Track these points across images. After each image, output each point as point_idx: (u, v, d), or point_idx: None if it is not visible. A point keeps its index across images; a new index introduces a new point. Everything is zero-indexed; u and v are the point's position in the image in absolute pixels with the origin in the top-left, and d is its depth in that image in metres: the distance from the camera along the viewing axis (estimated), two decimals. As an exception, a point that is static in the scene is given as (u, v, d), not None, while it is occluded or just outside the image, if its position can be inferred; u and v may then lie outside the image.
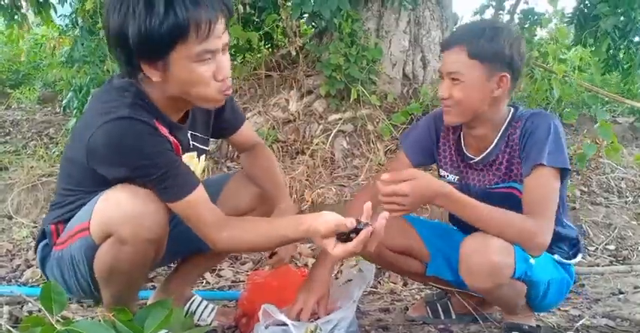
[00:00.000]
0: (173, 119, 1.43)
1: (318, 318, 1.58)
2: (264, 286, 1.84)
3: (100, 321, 1.32)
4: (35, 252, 1.58)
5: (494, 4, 4.29)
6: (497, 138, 1.65)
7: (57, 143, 3.88)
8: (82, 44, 3.62)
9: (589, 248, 3.00)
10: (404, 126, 3.59)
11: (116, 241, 1.33)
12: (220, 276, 2.48)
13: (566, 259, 1.73)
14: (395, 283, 2.46)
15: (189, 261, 1.82)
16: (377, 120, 3.62)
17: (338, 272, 2.48)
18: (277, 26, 3.75)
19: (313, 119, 3.63)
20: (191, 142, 1.53)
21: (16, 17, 4.14)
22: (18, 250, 2.79)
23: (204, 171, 1.73)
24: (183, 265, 1.84)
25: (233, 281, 2.43)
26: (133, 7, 1.19)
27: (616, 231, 3.15)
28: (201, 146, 1.59)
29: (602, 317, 1.97)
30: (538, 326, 1.77)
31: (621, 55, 4.27)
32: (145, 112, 1.32)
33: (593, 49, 4.29)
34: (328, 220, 1.29)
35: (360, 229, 1.26)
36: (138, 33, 1.20)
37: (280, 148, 3.46)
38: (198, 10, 1.21)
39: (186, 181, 1.36)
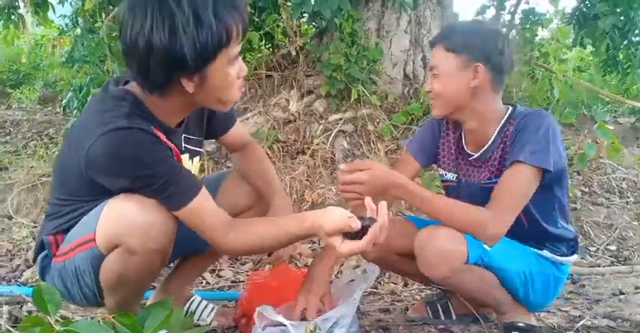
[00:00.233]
0: (170, 125, 1.42)
1: (318, 316, 1.58)
2: (264, 287, 1.83)
3: (99, 321, 1.32)
4: (34, 262, 1.57)
5: (495, 4, 4.28)
6: (495, 134, 1.67)
7: (57, 143, 3.89)
8: (82, 44, 3.62)
9: (590, 249, 2.99)
10: (404, 126, 3.59)
11: (124, 251, 1.33)
12: (220, 276, 2.48)
13: (560, 256, 1.73)
14: (395, 284, 2.45)
15: (189, 261, 1.82)
16: (377, 120, 3.61)
17: (338, 272, 2.47)
18: (278, 26, 3.75)
19: (314, 119, 3.63)
20: (183, 145, 1.52)
21: (12, 17, 4.13)
22: (18, 250, 2.79)
23: (201, 172, 1.72)
24: (182, 264, 1.84)
25: (233, 281, 2.43)
26: (183, 26, 1.16)
27: (617, 231, 3.14)
28: (195, 148, 1.58)
29: (603, 318, 1.97)
30: (539, 327, 1.77)
31: (620, 56, 4.26)
32: (142, 120, 1.31)
33: (592, 49, 4.28)
34: (334, 218, 1.28)
35: (366, 226, 1.25)
36: (193, 49, 1.17)
37: (281, 148, 3.46)
38: (237, 13, 1.22)
39: (188, 186, 1.35)
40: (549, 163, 1.53)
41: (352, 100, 3.57)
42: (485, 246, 1.57)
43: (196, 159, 1.59)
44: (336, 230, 1.27)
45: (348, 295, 1.65)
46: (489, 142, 1.68)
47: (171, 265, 1.93)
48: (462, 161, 1.77)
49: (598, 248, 3.00)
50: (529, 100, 4.18)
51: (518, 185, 1.56)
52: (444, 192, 1.91)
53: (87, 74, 3.66)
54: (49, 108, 5.26)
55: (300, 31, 3.78)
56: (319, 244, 2.83)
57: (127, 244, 1.31)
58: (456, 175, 1.78)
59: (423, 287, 2.33)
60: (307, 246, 2.77)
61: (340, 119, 3.61)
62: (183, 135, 1.50)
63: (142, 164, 1.28)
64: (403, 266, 1.88)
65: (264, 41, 4.03)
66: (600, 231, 3.16)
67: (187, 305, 1.86)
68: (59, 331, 1.16)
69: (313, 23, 4.16)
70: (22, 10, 4.22)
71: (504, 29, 1.65)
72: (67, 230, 1.43)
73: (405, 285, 2.44)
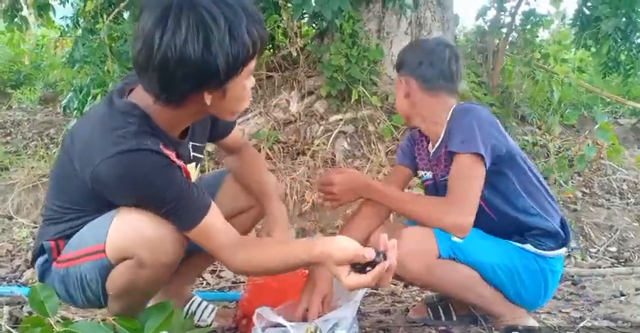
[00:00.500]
0: (176, 136, 1.41)
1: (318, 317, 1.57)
2: (265, 287, 1.83)
3: (99, 322, 1.32)
4: (33, 265, 1.56)
5: (495, 5, 4.28)
6: (442, 134, 1.75)
7: (57, 144, 3.89)
8: (83, 45, 3.62)
9: (590, 250, 2.99)
10: (405, 127, 3.59)
11: (135, 264, 1.32)
12: (220, 277, 2.48)
13: (544, 250, 1.72)
14: (396, 285, 2.45)
15: (188, 261, 1.81)
16: (378, 121, 3.61)
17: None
18: (278, 27, 3.75)
19: (314, 120, 3.63)
20: (192, 154, 1.52)
21: (15, 20, 4.14)
22: (18, 251, 2.79)
23: (201, 172, 1.72)
24: (182, 264, 1.83)
25: (233, 282, 2.43)
26: (219, 40, 1.16)
27: (617, 233, 3.15)
28: (200, 155, 1.58)
29: (604, 319, 1.97)
30: (539, 328, 1.77)
31: (622, 57, 4.26)
32: (151, 138, 1.29)
33: (594, 51, 4.28)
34: (344, 247, 1.25)
35: (375, 261, 1.21)
36: (226, 62, 1.18)
37: (281, 149, 3.46)
38: (261, 28, 1.24)
39: (197, 207, 1.34)
40: (479, 147, 1.59)
41: (353, 100, 3.57)
42: (455, 238, 1.60)
43: (198, 165, 1.60)
44: (345, 260, 1.24)
45: (348, 296, 1.65)
46: (439, 141, 1.77)
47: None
48: (428, 159, 1.86)
49: (598, 249, 3.00)
50: (529, 101, 4.18)
51: (461, 174, 1.62)
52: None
53: (87, 75, 3.66)
54: (50, 108, 5.26)
55: (300, 32, 3.78)
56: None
57: (139, 257, 1.31)
58: (431, 173, 1.85)
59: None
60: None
61: (341, 120, 3.61)
62: (191, 143, 1.50)
63: (152, 188, 1.28)
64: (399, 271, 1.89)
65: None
66: (601, 232, 3.16)
67: (188, 306, 1.86)
68: (60, 332, 1.16)
69: (314, 24, 4.16)
70: (24, 12, 4.22)
71: (446, 41, 1.79)
72: (69, 236, 1.42)
73: (406, 286, 2.44)
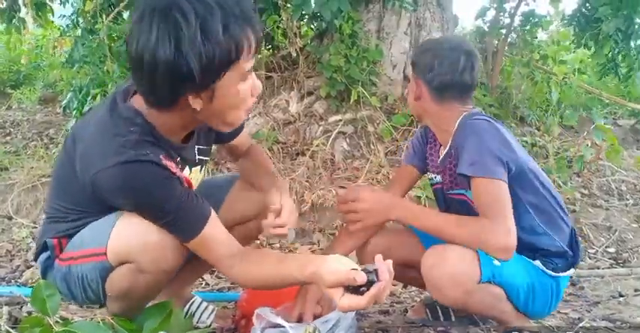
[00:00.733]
0: (179, 141, 1.40)
1: (317, 317, 1.58)
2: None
3: (99, 322, 1.32)
4: (35, 261, 1.57)
5: (495, 5, 4.29)
6: (449, 143, 1.71)
7: (57, 144, 3.89)
8: (83, 44, 3.62)
9: (589, 251, 2.99)
10: (404, 127, 3.59)
11: (135, 269, 1.33)
12: (220, 277, 2.48)
13: (553, 270, 1.69)
14: (395, 286, 2.45)
15: (190, 263, 1.81)
16: (377, 121, 3.62)
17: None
18: (278, 27, 3.75)
19: (313, 120, 3.63)
20: (197, 157, 1.52)
21: (13, 21, 4.14)
22: (18, 251, 2.79)
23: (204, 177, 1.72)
24: (183, 266, 1.83)
25: (233, 283, 2.42)
26: (190, 38, 1.11)
27: (616, 233, 3.15)
28: (205, 158, 1.58)
29: (602, 320, 1.97)
30: (538, 329, 1.77)
31: (620, 59, 4.27)
32: (152, 148, 1.28)
33: (593, 52, 4.28)
34: (335, 270, 1.20)
35: (370, 281, 1.17)
36: (199, 62, 1.13)
37: (280, 150, 3.47)
38: (249, 27, 1.19)
39: (196, 218, 1.34)
40: (494, 171, 1.53)
41: (352, 101, 3.58)
42: (496, 261, 1.52)
43: (203, 168, 1.60)
44: (336, 283, 1.19)
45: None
46: (446, 150, 1.74)
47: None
48: (438, 164, 1.81)
49: (597, 250, 3.00)
50: (528, 101, 4.18)
51: (489, 198, 1.54)
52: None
53: (87, 75, 3.66)
54: (50, 108, 5.25)
55: (300, 32, 3.78)
56: (319, 245, 2.84)
57: (139, 262, 1.32)
58: (441, 176, 1.81)
59: (423, 289, 2.33)
60: (307, 247, 2.77)
61: (340, 120, 3.61)
62: (197, 146, 1.49)
63: (150, 200, 1.28)
64: (404, 275, 1.89)
65: (264, 42, 4.03)
66: (599, 233, 3.16)
67: (187, 307, 1.86)
68: (59, 332, 1.17)
69: (313, 25, 4.16)
70: (22, 13, 4.22)
71: (466, 48, 1.68)
72: (71, 236, 1.43)
73: (405, 287, 2.44)
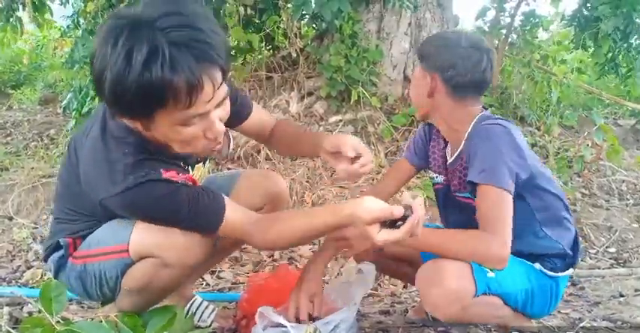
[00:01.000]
0: (174, 152, 1.38)
1: (318, 318, 1.58)
2: (264, 288, 1.83)
3: (101, 321, 1.32)
4: (45, 261, 1.58)
5: (495, 5, 4.29)
6: (462, 144, 1.68)
7: (57, 145, 3.89)
8: (83, 45, 3.62)
9: (590, 251, 2.99)
10: (404, 128, 3.59)
11: (158, 263, 1.36)
12: (220, 278, 2.48)
13: (551, 270, 1.69)
14: (395, 286, 2.46)
15: None
16: (377, 122, 3.62)
17: (338, 273, 2.48)
18: (278, 28, 3.76)
19: (314, 121, 3.63)
20: (198, 157, 1.53)
21: (11, 20, 4.14)
22: (18, 251, 2.79)
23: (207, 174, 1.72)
24: None
25: (233, 283, 2.43)
26: (116, 56, 1.06)
27: (617, 234, 3.15)
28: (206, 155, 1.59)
29: (603, 320, 1.97)
30: (538, 329, 1.76)
31: (620, 58, 4.27)
32: (150, 164, 1.28)
33: (593, 51, 4.28)
34: (372, 207, 1.23)
35: (405, 216, 1.22)
36: (112, 87, 1.09)
37: (281, 150, 3.46)
38: (176, 76, 1.07)
39: (213, 211, 1.35)
40: (503, 181, 1.51)
41: (352, 101, 3.58)
42: (490, 273, 1.52)
43: (207, 162, 1.61)
44: (375, 219, 1.23)
45: (347, 297, 1.66)
46: (458, 150, 1.70)
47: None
48: (444, 165, 1.79)
49: (598, 250, 3.00)
50: (529, 101, 4.18)
51: (493, 208, 1.52)
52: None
53: (87, 76, 3.66)
54: (50, 109, 5.26)
55: (300, 32, 3.79)
56: (318, 245, 2.83)
57: (164, 258, 1.34)
58: (444, 178, 1.79)
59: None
60: (307, 247, 2.77)
61: (340, 121, 3.61)
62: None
63: (162, 215, 1.31)
64: (397, 270, 1.92)
65: (264, 43, 4.04)
66: (600, 233, 3.16)
67: (188, 306, 1.86)
68: (61, 331, 1.17)
69: (313, 25, 4.17)
70: (20, 12, 4.22)
71: (485, 46, 1.62)
72: (84, 236, 1.46)
73: (405, 287, 2.45)
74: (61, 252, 1.49)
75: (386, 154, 3.48)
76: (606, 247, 3.04)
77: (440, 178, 1.81)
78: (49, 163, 3.52)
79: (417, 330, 1.85)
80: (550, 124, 3.91)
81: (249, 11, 3.71)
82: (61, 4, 4.36)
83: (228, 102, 1.25)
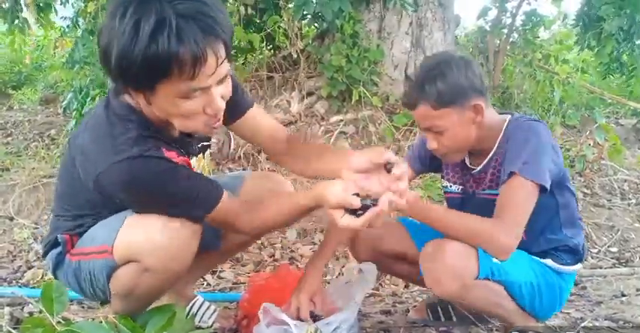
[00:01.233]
0: (174, 134, 1.39)
1: (320, 317, 1.58)
2: (265, 288, 1.83)
3: (101, 322, 1.32)
4: (44, 257, 1.58)
5: (497, 5, 4.28)
6: (495, 147, 1.66)
7: (58, 145, 3.89)
8: (83, 45, 3.62)
9: (592, 250, 2.99)
10: (405, 127, 3.59)
11: (140, 268, 1.34)
12: (221, 278, 2.48)
13: (562, 265, 1.70)
14: (396, 286, 2.45)
15: (193, 261, 1.80)
16: (379, 121, 3.61)
17: (339, 273, 2.47)
18: (279, 28, 3.75)
19: (315, 120, 3.63)
20: (196, 146, 1.53)
21: (16, 21, 4.14)
22: (19, 252, 2.79)
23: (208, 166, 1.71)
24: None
25: (234, 283, 2.42)
26: (123, 27, 1.09)
27: (619, 233, 3.14)
28: (207, 143, 1.59)
29: (605, 319, 1.96)
30: (540, 331, 1.76)
31: (625, 58, 4.26)
32: (152, 142, 1.28)
33: (596, 51, 4.28)
34: (337, 193, 1.26)
35: (367, 206, 1.25)
36: (118, 59, 1.11)
37: (282, 150, 3.45)
38: (182, 47, 1.09)
39: (210, 191, 1.35)
40: (544, 178, 1.52)
41: (353, 101, 3.58)
42: (495, 259, 1.53)
43: (207, 152, 1.60)
44: (338, 205, 1.26)
45: (348, 297, 1.66)
46: (490, 155, 1.67)
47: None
48: (467, 174, 1.76)
49: (600, 250, 2.99)
50: (530, 101, 4.18)
51: (517, 200, 1.53)
52: (445, 202, 1.92)
53: (87, 76, 3.66)
54: (51, 109, 5.26)
55: (301, 32, 3.79)
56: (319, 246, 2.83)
57: (145, 263, 1.33)
58: (461, 187, 1.77)
59: (425, 289, 2.33)
60: (308, 247, 2.77)
61: (341, 120, 3.61)
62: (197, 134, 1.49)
63: (158, 193, 1.29)
64: (395, 268, 1.91)
65: (265, 43, 4.04)
66: (602, 233, 3.15)
67: (189, 306, 1.86)
68: (61, 332, 1.16)
69: (314, 25, 4.17)
70: (25, 13, 4.22)
71: (457, 53, 1.59)
72: (81, 234, 1.45)
73: (407, 287, 2.44)
74: (59, 248, 1.49)
75: (387, 154, 3.47)
76: (608, 247, 3.04)
77: (455, 188, 1.79)
78: (49, 164, 3.52)
79: (419, 330, 1.85)
80: (552, 124, 3.90)
81: (249, 11, 3.72)
82: (61, 4, 4.36)
83: (229, 81, 1.26)
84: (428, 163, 1.85)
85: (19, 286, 2.33)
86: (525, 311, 1.69)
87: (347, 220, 1.26)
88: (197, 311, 1.85)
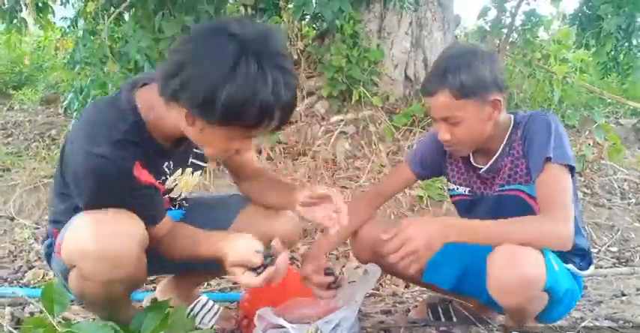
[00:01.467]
0: (169, 144, 1.40)
1: (333, 274, 1.61)
2: (265, 288, 1.83)
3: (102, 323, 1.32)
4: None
5: (496, 5, 4.29)
6: (503, 145, 1.64)
7: (59, 145, 3.88)
8: (84, 46, 3.62)
9: (592, 250, 2.98)
10: (405, 127, 3.59)
11: (79, 275, 1.32)
12: (222, 278, 2.47)
13: (580, 269, 1.69)
14: (397, 286, 2.45)
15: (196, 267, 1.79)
16: (379, 121, 3.62)
17: (339, 273, 2.47)
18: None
19: (315, 121, 3.63)
20: (190, 160, 1.53)
21: (15, 21, 4.14)
22: (20, 252, 2.79)
23: (196, 185, 1.70)
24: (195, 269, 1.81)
25: (234, 283, 2.42)
26: (243, 75, 1.13)
27: (619, 233, 3.14)
28: (200, 163, 1.58)
29: (605, 319, 1.97)
30: (540, 331, 1.76)
31: (621, 57, 4.27)
32: (131, 150, 1.29)
33: (595, 50, 4.29)
34: (238, 251, 1.32)
35: (266, 264, 1.32)
36: (232, 101, 1.14)
37: (282, 150, 3.47)
38: (284, 112, 1.21)
39: (154, 209, 1.39)
40: (572, 159, 1.52)
41: (353, 101, 3.58)
42: (555, 266, 1.49)
43: (197, 173, 1.60)
44: (237, 263, 1.32)
45: (349, 296, 1.66)
46: (498, 154, 1.65)
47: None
48: (472, 175, 1.74)
49: (600, 250, 3.00)
50: (530, 101, 4.18)
51: (562, 184, 1.50)
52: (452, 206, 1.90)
53: (88, 76, 3.66)
54: (51, 109, 5.25)
55: (301, 32, 3.79)
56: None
57: (79, 269, 1.31)
58: (469, 189, 1.75)
59: (425, 289, 2.33)
60: (308, 247, 2.77)
61: (342, 120, 3.61)
62: (194, 150, 1.51)
63: (101, 197, 1.29)
64: (399, 271, 1.87)
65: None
66: (602, 232, 3.15)
67: (192, 306, 1.86)
68: (62, 332, 1.17)
69: (314, 25, 4.17)
70: (24, 13, 4.22)
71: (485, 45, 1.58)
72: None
73: (407, 287, 2.44)
74: (50, 240, 1.51)
75: (387, 154, 3.47)
76: (608, 247, 3.04)
77: (462, 190, 1.76)
78: (50, 164, 3.52)
79: (419, 330, 1.85)
80: (551, 124, 3.90)
81: (249, 11, 3.71)
82: (61, 4, 4.36)
83: None
84: (430, 167, 1.82)
85: (20, 287, 2.33)
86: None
87: (246, 279, 1.32)
88: (199, 311, 1.85)
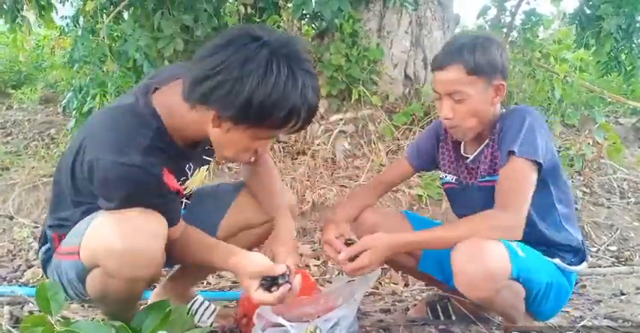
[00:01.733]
0: (187, 144, 1.41)
1: (353, 241, 1.62)
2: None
3: (100, 321, 1.32)
4: (37, 253, 1.59)
5: (496, 4, 4.28)
6: (490, 134, 1.67)
7: (58, 144, 3.88)
8: (83, 44, 3.61)
9: (591, 249, 2.99)
10: (405, 126, 3.59)
11: (104, 273, 1.32)
12: (221, 276, 2.48)
13: (569, 265, 1.70)
14: (396, 284, 2.46)
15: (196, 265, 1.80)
16: (378, 120, 3.61)
17: (339, 273, 2.47)
18: (278, 27, 3.75)
19: (314, 120, 3.62)
20: (204, 158, 1.55)
21: (17, 20, 4.13)
22: (19, 251, 2.79)
23: (205, 178, 1.71)
24: (190, 267, 1.82)
25: (234, 282, 2.42)
26: (274, 77, 1.18)
27: (618, 232, 3.14)
28: (208, 158, 1.59)
29: (604, 318, 1.97)
30: (539, 328, 1.76)
31: (623, 57, 4.26)
32: (158, 156, 1.30)
33: (595, 50, 4.28)
34: (257, 263, 1.38)
35: (279, 283, 1.36)
36: (264, 102, 1.19)
37: (281, 149, 3.46)
38: (315, 105, 1.28)
39: (170, 216, 1.38)
40: (538, 155, 1.53)
41: (353, 100, 3.57)
42: (520, 253, 1.50)
43: (204, 167, 1.61)
44: (259, 273, 1.37)
45: (348, 295, 1.66)
46: (483, 145, 1.69)
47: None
48: (459, 164, 1.78)
49: (599, 249, 3.00)
50: (530, 100, 4.18)
51: (516, 179, 1.53)
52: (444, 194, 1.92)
53: (87, 75, 3.65)
54: (50, 108, 5.25)
55: (300, 31, 3.79)
56: (319, 244, 2.83)
57: (105, 267, 1.31)
58: (456, 178, 1.79)
59: (424, 288, 2.33)
60: (308, 247, 2.77)
61: (341, 120, 3.61)
62: (207, 147, 1.51)
63: (134, 201, 1.30)
64: (396, 260, 1.89)
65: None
66: (601, 231, 3.16)
67: (189, 305, 1.86)
68: (60, 332, 1.16)
69: (314, 24, 4.16)
70: (25, 12, 4.21)
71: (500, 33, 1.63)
72: (69, 228, 1.44)
73: (406, 285, 2.45)
74: (48, 245, 1.50)
75: (387, 153, 3.47)
76: (607, 246, 3.04)
77: (450, 178, 1.80)
78: (49, 163, 3.52)
79: (418, 328, 1.86)
80: (551, 123, 3.90)
81: (249, 10, 3.71)
82: (60, 2, 4.35)
83: None
84: (425, 156, 1.86)
85: (19, 285, 2.33)
86: (528, 311, 1.67)
87: (261, 296, 1.36)
88: (196, 310, 1.85)
